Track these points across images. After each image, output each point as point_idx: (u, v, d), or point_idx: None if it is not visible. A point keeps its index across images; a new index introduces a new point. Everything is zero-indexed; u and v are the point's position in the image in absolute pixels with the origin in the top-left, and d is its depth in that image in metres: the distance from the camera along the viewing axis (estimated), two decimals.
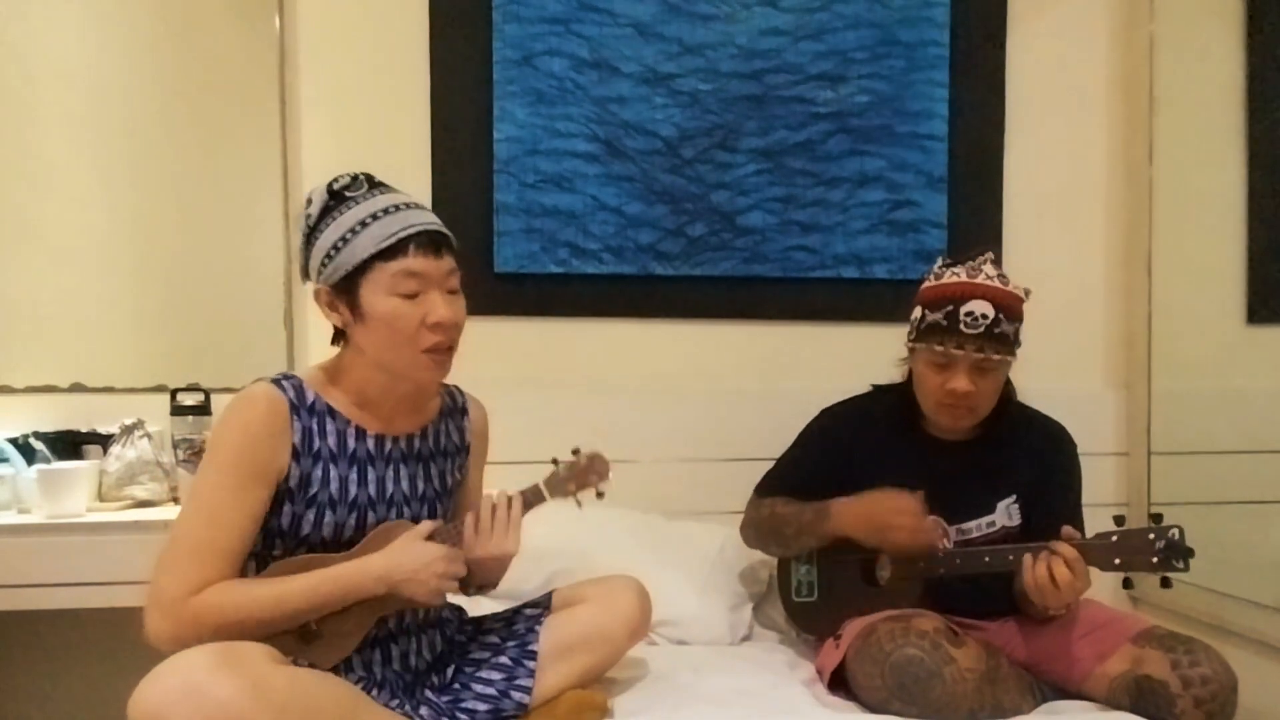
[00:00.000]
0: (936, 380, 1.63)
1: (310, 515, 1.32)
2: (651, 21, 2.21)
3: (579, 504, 1.46)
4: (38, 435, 1.98)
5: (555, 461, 1.46)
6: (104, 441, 1.97)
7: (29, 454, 1.93)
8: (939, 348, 1.60)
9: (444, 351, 1.35)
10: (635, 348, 2.27)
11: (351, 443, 1.37)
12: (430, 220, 1.34)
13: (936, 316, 1.60)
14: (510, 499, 1.39)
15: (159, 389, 2.06)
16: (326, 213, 1.33)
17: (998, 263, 1.66)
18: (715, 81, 2.23)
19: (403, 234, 1.29)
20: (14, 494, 1.88)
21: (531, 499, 1.42)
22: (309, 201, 1.34)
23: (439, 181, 2.18)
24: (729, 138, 2.24)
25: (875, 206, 2.29)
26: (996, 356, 1.59)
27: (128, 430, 1.93)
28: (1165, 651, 1.47)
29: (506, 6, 2.16)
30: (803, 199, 2.27)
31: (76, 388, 2.08)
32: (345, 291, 1.32)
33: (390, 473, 1.40)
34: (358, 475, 1.36)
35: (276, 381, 1.34)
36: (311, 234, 1.34)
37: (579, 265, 2.21)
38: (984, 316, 1.57)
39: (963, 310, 1.58)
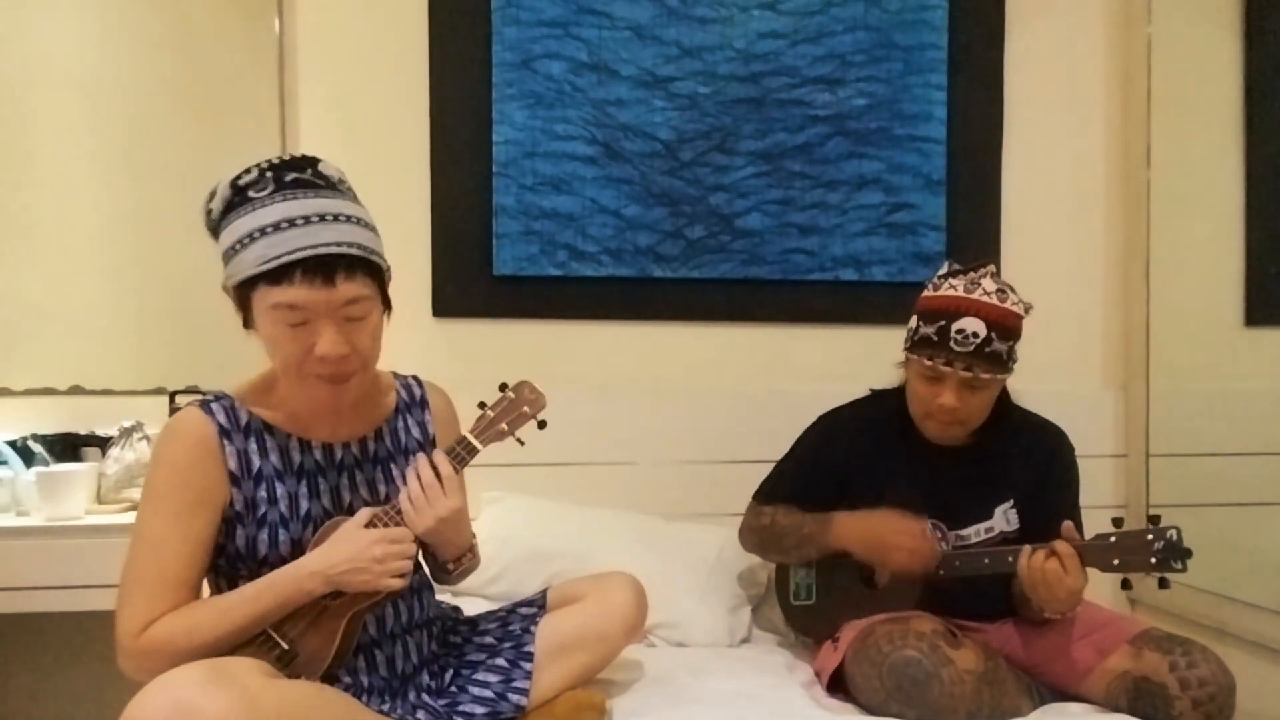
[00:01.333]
0: (926, 392, 1.63)
1: (264, 536, 1.29)
2: (650, 24, 2.21)
3: (520, 442, 1.39)
4: (36, 438, 1.98)
5: (482, 405, 1.39)
6: (103, 444, 1.97)
7: (28, 456, 1.93)
8: (928, 362, 1.59)
9: (337, 381, 1.26)
10: (634, 350, 2.27)
11: (296, 456, 1.33)
12: (325, 240, 1.19)
13: (929, 330, 1.60)
14: (435, 463, 1.32)
15: (158, 391, 2.07)
16: (230, 209, 1.24)
17: (998, 271, 1.64)
18: (713, 84, 2.24)
19: (286, 259, 1.17)
20: (13, 497, 1.88)
21: (461, 452, 1.35)
22: (211, 195, 1.25)
23: (438, 184, 2.19)
24: (727, 140, 2.25)
25: (873, 209, 2.29)
26: (986, 375, 1.57)
27: (126, 433, 1.94)
28: (1163, 653, 1.47)
29: (505, 9, 2.17)
30: (801, 201, 2.27)
31: (75, 390, 2.08)
32: (239, 299, 1.25)
33: (345, 480, 1.36)
34: (308, 489, 1.33)
35: (206, 405, 1.29)
36: (217, 229, 1.26)
37: (578, 268, 2.22)
38: (975, 335, 1.55)
39: (954, 327, 1.56)
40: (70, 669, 2.13)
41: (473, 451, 1.36)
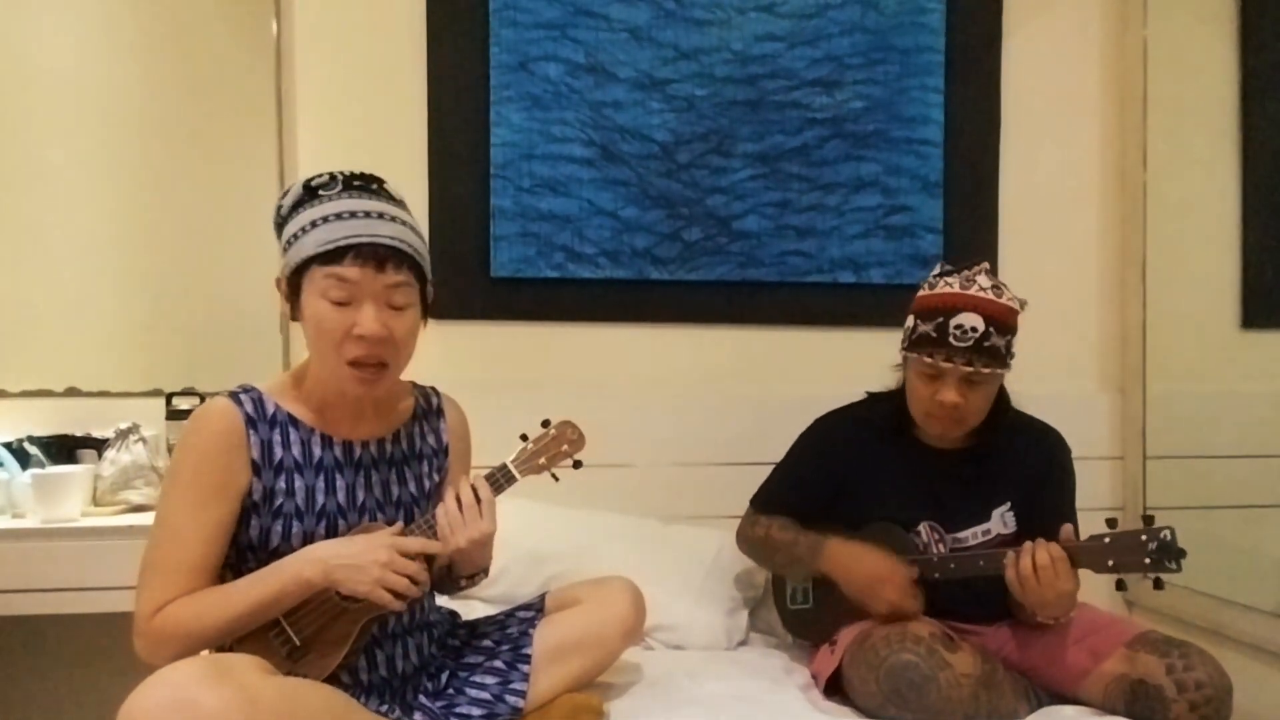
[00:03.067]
0: (926, 390, 1.63)
1: (278, 527, 1.31)
2: (647, 26, 2.21)
3: (555, 478, 1.44)
4: (32, 439, 1.97)
5: (524, 438, 1.43)
6: (99, 446, 1.97)
7: (23, 458, 1.93)
8: (928, 359, 1.60)
9: (371, 366, 1.30)
10: (631, 352, 2.27)
11: (317, 451, 1.35)
12: (382, 233, 1.28)
13: (927, 328, 1.60)
14: (475, 485, 1.35)
15: (154, 393, 2.06)
16: (298, 206, 1.32)
17: (994, 272, 1.66)
18: (710, 86, 2.24)
19: (342, 243, 1.26)
20: (8, 499, 1.88)
21: (501, 480, 1.39)
22: (285, 192, 1.34)
23: (435, 186, 2.19)
24: (724, 143, 2.25)
25: (870, 211, 2.29)
26: (986, 370, 1.58)
27: (123, 434, 1.93)
28: (1160, 656, 1.47)
29: (503, 12, 2.17)
30: (798, 204, 2.27)
31: (71, 392, 2.08)
32: (291, 286, 1.31)
33: (360, 479, 1.38)
34: (325, 484, 1.35)
35: (234, 395, 1.33)
36: (282, 224, 1.34)
37: (575, 270, 2.21)
38: (974, 330, 1.56)
39: (953, 323, 1.57)
40: (66, 671, 2.13)
41: (511, 480, 1.40)
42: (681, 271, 2.25)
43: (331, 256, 1.26)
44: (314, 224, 1.28)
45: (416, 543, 1.30)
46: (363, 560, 1.25)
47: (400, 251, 1.29)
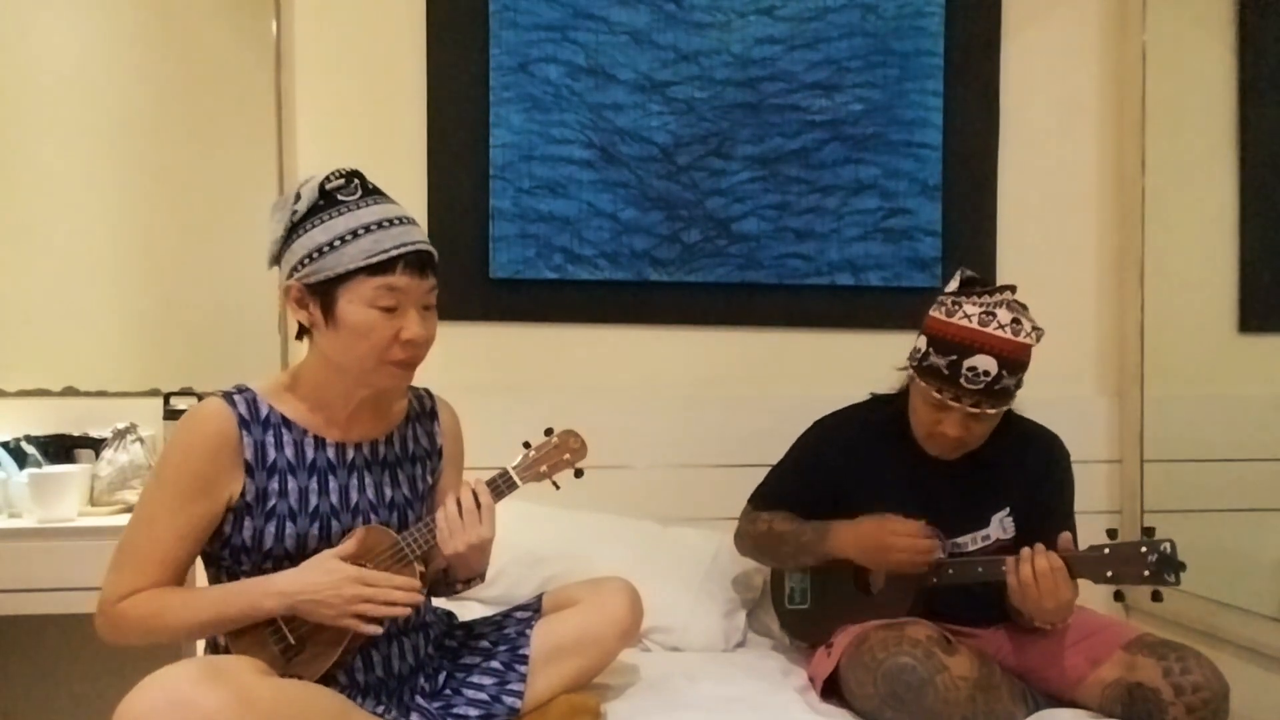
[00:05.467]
0: (930, 417, 1.63)
1: (270, 528, 1.31)
2: (647, 29, 2.22)
3: (556, 485, 1.44)
4: (29, 439, 1.97)
5: (527, 445, 1.44)
6: (96, 445, 1.96)
7: (20, 458, 1.93)
8: (936, 394, 1.58)
9: (411, 366, 1.35)
10: (630, 354, 2.27)
11: (310, 452, 1.35)
12: (422, 240, 1.32)
13: (939, 362, 1.57)
14: (475, 490, 1.36)
15: (152, 393, 2.06)
16: (315, 211, 1.30)
17: (1014, 293, 1.60)
18: (710, 89, 2.24)
19: (395, 252, 1.28)
20: (5, 498, 1.87)
21: (501, 486, 1.39)
22: (297, 196, 1.31)
23: (435, 187, 2.18)
24: (724, 145, 2.25)
25: (869, 214, 2.30)
26: (992, 410, 1.57)
27: (120, 434, 1.93)
28: (1157, 659, 1.47)
29: (503, 13, 2.17)
30: (797, 206, 2.27)
31: (69, 391, 2.08)
32: (320, 294, 1.29)
33: (354, 480, 1.38)
34: (318, 485, 1.35)
35: (228, 396, 1.33)
36: (294, 229, 1.31)
37: (574, 271, 2.21)
38: (986, 374, 1.54)
39: (965, 364, 1.54)
40: (63, 671, 2.12)
41: (512, 487, 1.41)
42: (680, 273, 2.25)
43: (383, 267, 1.27)
44: (355, 234, 1.28)
45: (381, 577, 1.28)
46: (325, 594, 1.24)
47: (434, 255, 1.34)
